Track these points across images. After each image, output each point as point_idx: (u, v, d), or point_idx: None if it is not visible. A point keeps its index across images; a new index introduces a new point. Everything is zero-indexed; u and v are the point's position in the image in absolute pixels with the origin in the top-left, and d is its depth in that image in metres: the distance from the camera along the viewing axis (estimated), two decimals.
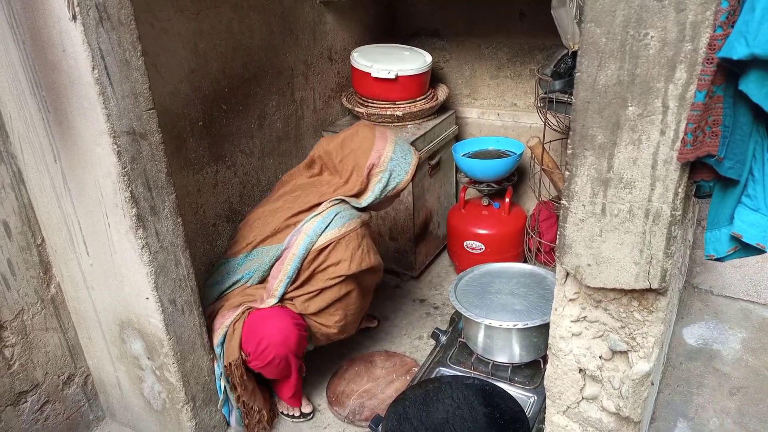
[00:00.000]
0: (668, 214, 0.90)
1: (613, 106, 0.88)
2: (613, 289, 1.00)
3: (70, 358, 1.90)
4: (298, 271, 1.87)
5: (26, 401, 1.79)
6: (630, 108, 0.87)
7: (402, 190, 2.04)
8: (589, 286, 1.02)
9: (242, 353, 1.83)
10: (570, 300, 1.08)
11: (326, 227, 1.87)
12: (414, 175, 2.05)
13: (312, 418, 2.05)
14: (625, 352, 1.07)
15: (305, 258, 1.86)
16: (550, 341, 1.13)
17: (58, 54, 1.39)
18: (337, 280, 1.87)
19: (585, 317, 1.08)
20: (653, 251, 0.93)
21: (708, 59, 0.80)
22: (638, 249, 0.94)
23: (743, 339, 2.30)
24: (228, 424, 1.99)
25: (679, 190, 0.88)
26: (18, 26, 1.41)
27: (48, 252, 1.78)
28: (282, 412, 2.06)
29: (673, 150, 0.86)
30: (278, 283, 1.87)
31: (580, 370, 1.11)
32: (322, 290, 1.88)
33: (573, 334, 1.09)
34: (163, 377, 1.78)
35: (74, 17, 1.31)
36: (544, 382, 1.18)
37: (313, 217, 1.89)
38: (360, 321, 2.08)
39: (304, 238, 1.86)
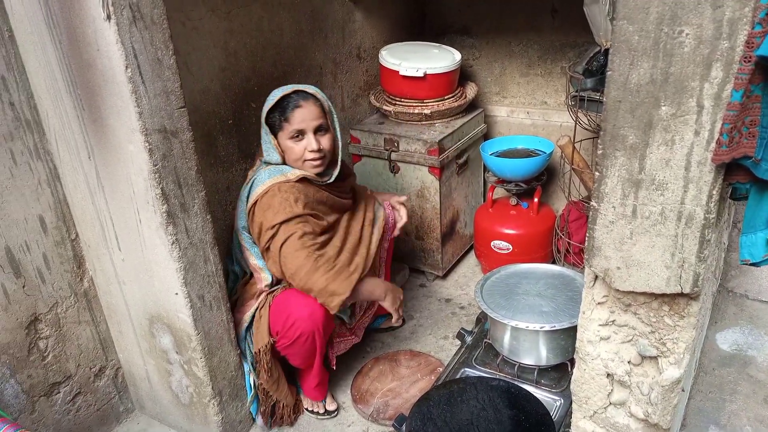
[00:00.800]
0: (701, 217, 0.87)
1: (645, 106, 0.86)
2: (643, 293, 0.98)
3: (102, 351, 1.95)
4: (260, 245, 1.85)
5: (59, 392, 1.84)
6: (663, 107, 0.84)
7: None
8: (618, 290, 0.99)
9: (271, 337, 1.87)
10: (598, 303, 1.06)
11: (250, 190, 1.86)
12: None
13: (336, 415, 2.06)
14: (655, 358, 1.05)
15: (250, 229, 1.88)
16: (577, 345, 1.11)
17: (92, 53, 1.42)
18: (270, 233, 1.77)
19: (614, 321, 1.06)
20: (685, 255, 0.91)
21: (746, 57, 0.77)
22: (670, 252, 0.92)
23: None
24: (254, 420, 2.01)
25: (714, 192, 0.86)
26: (55, 26, 1.45)
27: (81, 247, 1.82)
28: (307, 409, 2.07)
29: (708, 151, 0.84)
30: (251, 259, 1.93)
31: (608, 375, 1.09)
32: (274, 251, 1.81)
33: (601, 338, 1.07)
34: (191, 372, 1.81)
35: (108, 17, 1.34)
36: (571, 386, 1.16)
37: (242, 188, 1.93)
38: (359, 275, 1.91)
39: (238, 206, 1.91)
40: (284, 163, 1.90)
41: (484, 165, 2.87)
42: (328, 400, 2.09)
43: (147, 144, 1.48)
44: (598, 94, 2.12)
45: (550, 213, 2.67)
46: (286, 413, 2.00)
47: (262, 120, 1.86)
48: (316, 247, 1.79)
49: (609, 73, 0.87)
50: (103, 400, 1.99)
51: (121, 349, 1.98)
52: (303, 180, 1.87)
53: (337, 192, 2.00)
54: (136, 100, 1.43)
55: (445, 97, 2.62)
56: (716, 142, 0.82)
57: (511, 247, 2.58)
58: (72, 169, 1.68)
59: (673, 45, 0.80)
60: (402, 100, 2.63)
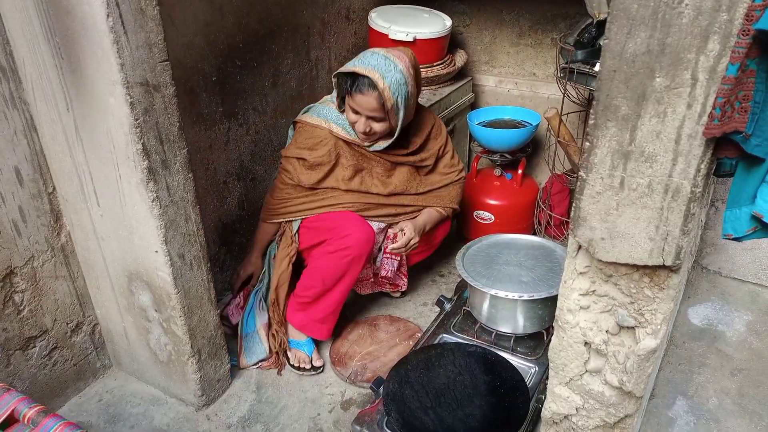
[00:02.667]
0: (688, 191, 0.88)
1: (639, 77, 0.85)
2: (626, 264, 0.99)
3: (79, 307, 1.93)
4: None
5: (35, 346, 1.82)
6: (657, 79, 0.84)
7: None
8: (601, 260, 1.01)
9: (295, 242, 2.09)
10: (580, 273, 1.07)
11: (308, 110, 2.14)
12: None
13: (322, 372, 2.09)
14: (632, 328, 1.07)
15: None
16: (557, 313, 1.13)
17: None
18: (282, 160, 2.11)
19: (594, 291, 1.07)
20: (670, 228, 0.92)
21: (744, 31, 0.77)
22: (654, 225, 0.93)
23: (749, 322, 2.29)
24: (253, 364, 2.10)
25: (702, 166, 0.86)
26: None
27: (59, 201, 1.78)
28: (292, 365, 2.09)
29: (699, 125, 0.84)
30: None
31: (586, 343, 1.11)
32: None
33: (581, 308, 1.09)
34: (170, 330, 1.80)
35: None
36: (548, 353, 1.18)
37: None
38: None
39: None
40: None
41: (470, 134, 2.85)
42: (315, 356, 2.11)
43: (128, 97, 1.44)
44: (588, 66, 2.11)
45: (533, 185, 2.69)
46: (278, 359, 2.10)
47: (334, 76, 1.96)
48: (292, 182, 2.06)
49: (605, 41, 0.86)
50: (80, 356, 1.98)
51: (99, 305, 1.96)
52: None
53: (380, 153, 2.07)
54: (117, 51, 1.38)
55: (434, 64, 2.59)
56: (708, 116, 0.82)
57: (493, 217, 2.59)
58: (49, 121, 1.63)
59: (671, 15, 0.80)
60: None
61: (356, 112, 1.93)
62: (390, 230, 2.15)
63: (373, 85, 1.85)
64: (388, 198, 2.11)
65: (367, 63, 1.87)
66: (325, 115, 2.04)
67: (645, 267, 0.99)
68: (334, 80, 1.97)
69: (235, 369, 2.07)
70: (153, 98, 1.50)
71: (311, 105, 2.13)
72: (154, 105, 1.51)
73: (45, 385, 1.88)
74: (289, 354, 2.11)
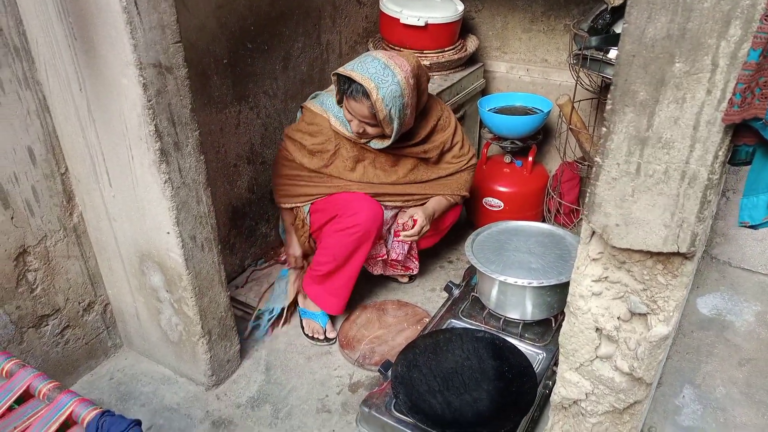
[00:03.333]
0: (705, 178, 0.88)
1: (659, 62, 0.84)
2: (639, 251, 0.99)
3: (91, 287, 1.95)
4: None
5: (48, 325, 1.84)
6: (677, 64, 0.83)
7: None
8: (615, 247, 1.00)
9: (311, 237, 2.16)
10: (593, 259, 1.07)
11: (315, 97, 2.15)
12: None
13: (334, 343, 2.14)
14: (644, 315, 1.07)
15: None
16: (569, 299, 1.13)
17: None
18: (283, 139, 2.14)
19: (606, 277, 1.07)
20: (685, 215, 0.91)
21: (767, 15, 0.76)
22: (670, 212, 0.92)
23: (758, 312, 2.29)
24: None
25: (720, 153, 0.86)
26: None
27: (71, 181, 1.79)
28: (306, 335, 2.16)
29: (718, 111, 0.83)
30: None
31: (597, 329, 1.11)
32: None
33: (593, 294, 1.09)
34: (181, 310, 1.82)
35: None
36: (559, 339, 1.18)
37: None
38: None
39: None
40: None
41: (480, 121, 2.84)
42: (328, 327, 2.16)
43: (141, 78, 1.44)
44: (602, 53, 2.09)
45: (543, 172, 2.67)
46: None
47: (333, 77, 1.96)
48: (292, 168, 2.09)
49: (625, 26, 0.85)
50: (92, 335, 2.00)
51: (111, 285, 1.98)
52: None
53: (385, 149, 2.06)
54: (130, 32, 1.38)
55: (446, 49, 2.57)
56: (728, 102, 0.81)
57: (502, 204, 2.59)
58: (62, 101, 1.63)
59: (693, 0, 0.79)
60: (401, 49, 2.57)
61: (351, 114, 1.94)
62: (399, 220, 2.15)
63: (366, 94, 1.83)
64: (393, 186, 2.11)
65: (365, 70, 1.84)
66: (327, 106, 2.04)
67: (659, 254, 0.99)
68: (333, 78, 1.94)
69: (245, 350, 2.09)
70: (166, 80, 1.50)
71: (319, 92, 2.13)
72: (166, 86, 1.51)
73: (57, 362, 1.90)
74: (303, 324, 2.17)
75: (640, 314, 1.07)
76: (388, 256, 2.23)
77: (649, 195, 0.93)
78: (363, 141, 2.02)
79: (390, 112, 1.86)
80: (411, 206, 2.16)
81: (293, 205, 2.14)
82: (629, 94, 0.88)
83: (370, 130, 1.95)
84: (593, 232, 1.05)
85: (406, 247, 2.24)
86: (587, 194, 1.00)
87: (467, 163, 2.21)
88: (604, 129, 0.93)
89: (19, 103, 1.61)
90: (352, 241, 1.99)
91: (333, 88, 2.07)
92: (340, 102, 1.99)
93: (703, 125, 0.85)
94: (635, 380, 1.11)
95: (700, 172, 0.88)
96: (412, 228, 2.09)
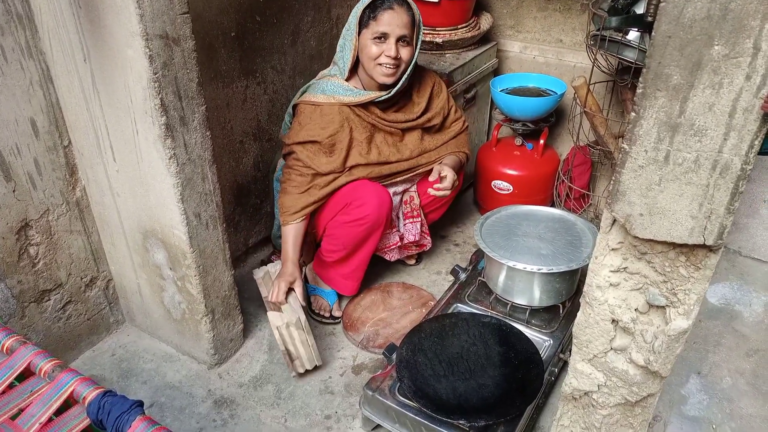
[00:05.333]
0: (738, 168, 0.84)
1: (696, 44, 0.80)
2: (662, 242, 0.96)
3: (93, 262, 1.92)
4: None
5: (49, 299, 1.82)
6: (716, 47, 0.79)
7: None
8: (637, 237, 0.97)
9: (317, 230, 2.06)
10: (612, 249, 1.04)
11: (306, 89, 2.03)
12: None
13: (339, 322, 2.12)
14: (663, 307, 1.04)
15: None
16: (585, 289, 1.10)
17: None
18: (288, 149, 1.99)
19: (626, 268, 1.04)
20: (714, 206, 0.88)
21: None
22: (698, 202, 0.88)
23: (767, 303, 2.26)
24: None
25: (756, 142, 0.82)
26: None
27: (74, 154, 1.75)
28: (313, 311, 2.15)
29: (757, 98, 0.79)
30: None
31: (613, 321, 1.08)
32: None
33: (611, 285, 1.05)
34: (184, 288, 1.80)
35: None
36: (573, 329, 1.15)
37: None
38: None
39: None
40: (353, 68, 1.95)
41: (491, 102, 2.78)
42: (335, 306, 2.15)
43: (147, 50, 1.39)
44: (621, 34, 2.03)
45: (554, 156, 2.63)
46: None
47: (352, 13, 1.88)
48: (308, 177, 1.95)
49: (662, 5, 0.80)
50: (94, 311, 1.98)
51: (113, 261, 1.95)
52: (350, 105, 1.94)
53: (390, 119, 2.01)
54: (137, 1, 1.33)
55: (459, 27, 2.51)
56: None
57: (511, 188, 2.55)
58: (66, 72, 1.58)
59: None
60: None
61: (384, 36, 1.84)
62: (430, 178, 2.11)
63: (401, 1, 1.84)
64: (407, 162, 2.08)
65: None
66: (331, 91, 1.94)
67: (682, 246, 0.95)
68: (353, 18, 1.87)
69: (248, 329, 2.07)
70: (172, 52, 1.45)
71: (308, 84, 2.01)
72: (173, 59, 1.46)
73: (59, 338, 1.88)
74: (311, 300, 2.16)
75: (658, 307, 1.04)
76: (402, 240, 2.20)
77: (677, 184, 0.89)
78: (392, 80, 1.90)
79: (420, 18, 1.91)
80: (421, 178, 2.17)
81: (307, 212, 1.96)
82: (662, 77, 0.84)
83: (404, 52, 1.88)
84: (614, 221, 1.01)
85: (418, 225, 2.21)
86: (611, 182, 0.96)
87: (463, 124, 2.23)
88: (633, 114, 0.89)
89: (21, 72, 1.56)
90: (361, 232, 1.97)
91: (325, 72, 2.02)
92: (364, 25, 1.86)
93: (739, 112, 0.81)
94: (650, 373, 1.08)
95: (734, 162, 0.84)
96: (443, 183, 2.05)
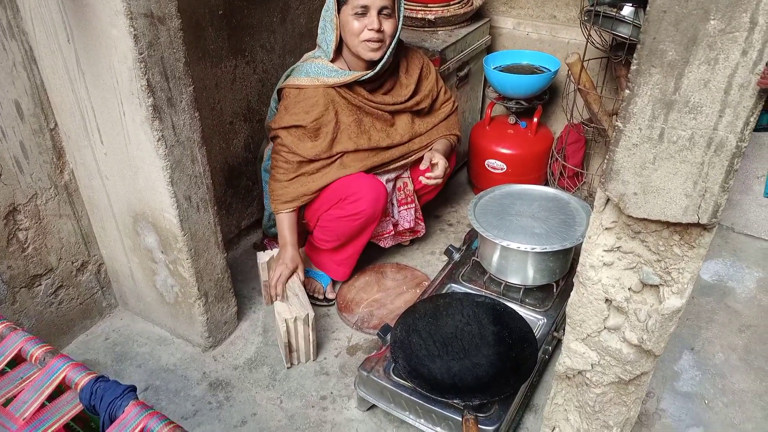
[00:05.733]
0: (733, 145, 0.82)
1: (692, 18, 0.78)
2: (657, 221, 0.95)
3: (84, 246, 1.90)
4: None
5: (40, 284, 1.80)
6: (712, 22, 0.77)
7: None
8: (630, 216, 0.96)
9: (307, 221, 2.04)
10: (606, 229, 1.03)
11: (290, 73, 1.98)
12: None
13: (333, 304, 2.12)
14: (656, 286, 1.03)
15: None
16: (579, 269, 1.09)
17: None
18: (274, 132, 1.95)
19: (619, 247, 1.03)
20: (709, 184, 0.87)
21: None
22: (692, 180, 0.87)
23: (759, 278, 2.27)
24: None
25: (751, 119, 0.80)
26: None
27: (61, 137, 1.72)
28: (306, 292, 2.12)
29: (754, 74, 0.77)
30: None
31: (607, 300, 1.08)
32: None
33: (604, 264, 1.05)
34: (177, 272, 1.78)
35: None
36: (566, 309, 1.15)
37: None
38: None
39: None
40: (337, 49, 1.90)
41: (484, 80, 2.75)
42: (329, 288, 2.14)
43: (132, 29, 1.36)
44: (615, 10, 2.00)
45: (548, 134, 2.61)
46: None
47: None
48: (296, 162, 1.92)
49: None
50: (86, 295, 1.97)
51: (104, 245, 1.93)
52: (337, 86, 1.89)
53: (378, 101, 1.96)
54: None
55: (451, 3, 2.47)
56: (766, 64, 0.75)
57: (505, 167, 2.53)
58: (50, 52, 1.55)
59: None
60: (405, 2, 2.46)
61: (364, 9, 1.79)
62: (421, 166, 2.07)
63: None
64: (399, 148, 2.04)
65: None
66: (314, 73, 1.89)
67: (676, 224, 0.94)
68: (325, 6, 1.84)
69: (243, 311, 2.07)
70: (158, 31, 1.42)
71: (292, 67, 1.96)
72: (159, 38, 1.43)
73: (51, 323, 1.87)
74: (304, 282, 2.12)
75: (651, 285, 1.04)
76: (396, 227, 2.19)
77: (672, 162, 0.88)
78: (379, 55, 1.85)
79: None
80: (412, 164, 2.13)
81: (299, 204, 1.95)
82: (657, 53, 0.82)
83: (386, 25, 1.82)
84: (607, 200, 1.00)
85: (412, 211, 2.19)
86: (605, 161, 0.95)
87: (453, 106, 2.19)
88: (627, 91, 0.87)
89: (4, 53, 1.52)
90: (356, 226, 1.95)
91: (309, 55, 1.98)
92: (343, 2, 1.82)
93: (735, 89, 0.79)
94: (644, 352, 1.08)
95: (729, 139, 0.82)
96: (434, 171, 2.03)
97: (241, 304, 2.05)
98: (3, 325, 1.24)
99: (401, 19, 1.87)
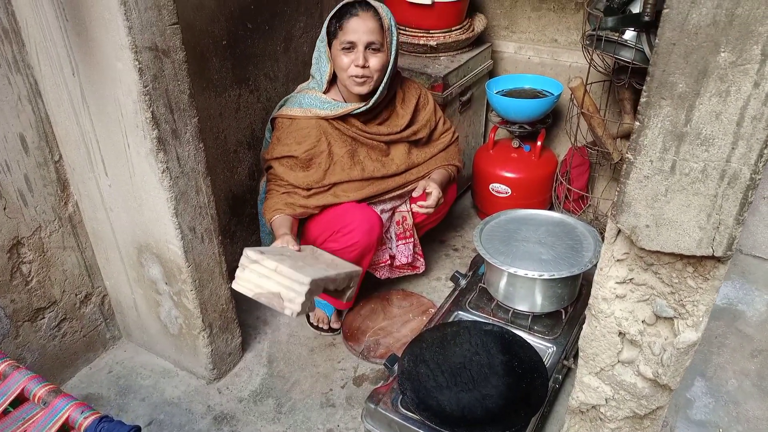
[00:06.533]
0: (747, 177, 0.81)
1: (702, 51, 0.77)
2: (670, 254, 0.93)
3: (88, 278, 1.89)
4: None
5: (44, 317, 1.79)
6: (722, 54, 0.76)
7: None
8: (643, 249, 0.94)
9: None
10: (617, 260, 1.01)
11: (284, 103, 1.99)
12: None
13: (339, 333, 2.10)
14: (671, 319, 1.01)
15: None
16: (591, 301, 1.07)
17: None
18: (267, 164, 1.96)
19: (632, 279, 1.01)
20: (723, 216, 0.85)
21: None
22: (706, 213, 0.86)
23: None
24: None
25: (765, 151, 0.79)
26: None
27: (66, 170, 1.72)
28: (311, 324, 2.12)
29: (766, 106, 0.76)
30: None
31: (620, 333, 1.06)
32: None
33: (617, 296, 1.03)
34: (181, 303, 1.76)
35: None
36: (579, 343, 1.13)
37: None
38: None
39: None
40: (332, 79, 1.91)
41: (487, 104, 2.76)
42: (333, 318, 2.12)
43: (137, 62, 1.36)
44: (617, 34, 2.01)
45: (552, 157, 2.60)
46: None
47: (324, 25, 1.84)
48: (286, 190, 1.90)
49: (666, 11, 0.77)
50: (90, 327, 1.95)
51: (108, 276, 1.92)
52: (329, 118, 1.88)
53: (372, 131, 1.95)
54: (125, 13, 1.30)
55: (453, 29, 2.48)
56: None
57: (510, 190, 2.52)
58: (54, 85, 1.55)
59: None
60: (406, 29, 2.48)
61: (351, 45, 1.78)
62: (414, 194, 2.03)
63: (366, 5, 1.79)
64: (394, 179, 2.02)
65: None
66: (307, 104, 1.90)
67: (690, 256, 0.93)
68: (323, 30, 1.85)
69: (247, 341, 2.04)
70: (162, 64, 1.42)
71: (286, 97, 1.97)
72: (163, 71, 1.43)
73: (54, 356, 1.85)
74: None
75: (665, 318, 1.02)
76: (393, 260, 2.15)
77: (684, 195, 0.87)
78: (366, 90, 1.84)
79: (391, 22, 1.83)
80: (409, 196, 2.10)
81: (291, 212, 1.87)
82: (667, 85, 0.81)
83: (373, 61, 1.80)
84: (618, 232, 0.99)
85: (411, 246, 2.16)
86: (616, 192, 0.94)
87: (453, 136, 2.17)
88: (637, 123, 0.86)
89: (9, 87, 1.53)
90: (352, 257, 1.89)
91: (303, 86, 1.98)
92: (333, 35, 1.82)
93: (747, 121, 0.78)
94: (659, 386, 1.06)
95: (742, 172, 0.81)
96: (427, 200, 1.99)
97: (245, 335, 2.03)
98: (6, 363, 1.22)
99: (394, 52, 1.86)
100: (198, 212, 1.65)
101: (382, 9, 1.82)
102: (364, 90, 1.85)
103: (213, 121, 2.04)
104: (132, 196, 1.63)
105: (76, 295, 1.86)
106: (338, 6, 1.81)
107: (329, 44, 1.84)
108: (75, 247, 1.82)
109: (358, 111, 1.89)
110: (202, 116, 1.82)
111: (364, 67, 1.80)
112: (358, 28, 1.77)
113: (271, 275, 1.42)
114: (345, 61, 1.81)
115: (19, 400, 1.19)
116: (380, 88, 1.87)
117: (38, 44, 1.50)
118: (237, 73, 2.08)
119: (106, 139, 1.56)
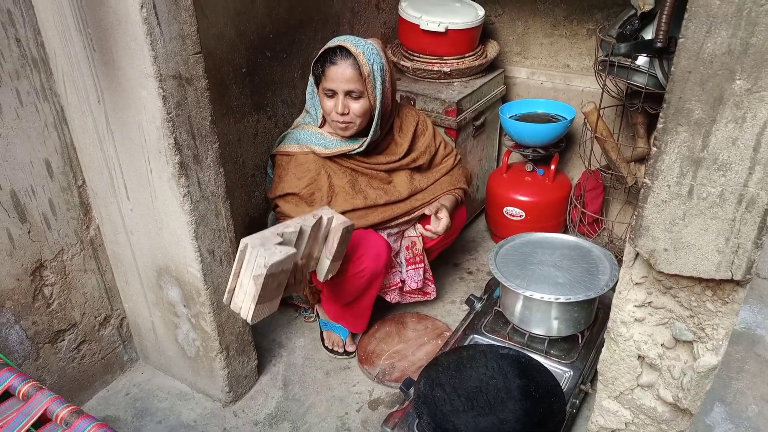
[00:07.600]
0: (765, 202, 0.82)
1: (717, 79, 0.79)
2: (689, 277, 0.94)
3: (107, 300, 1.91)
4: None
5: (64, 340, 1.81)
6: (738, 81, 0.78)
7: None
8: (662, 272, 0.95)
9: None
10: (636, 284, 1.02)
11: (282, 140, 2.02)
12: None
13: (354, 357, 2.10)
14: (690, 342, 1.01)
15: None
16: (609, 325, 1.07)
17: None
18: (274, 203, 2.00)
19: (650, 303, 1.02)
20: (741, 240, 0.86)
21: None
22: (724, 237, 0.87)
23: None
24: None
25: None
26: None
27: (88, 194, 1.76)
28: (326, 347, 2.12)
29: None
30: None
31: (639, 357, 1.06)
32: None
33: (635, 320, 1.03)
34: (199, 326, 1.78)
35: None
36: (598, 366, 1.13)
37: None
38: None
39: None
40: (324, 116, 1.92)
41: (500, 128, 2.79)
42: (348, 341, 2.12)
43: (161, 90, 1.41)
44: (630, 60, 2.03)
45: (566, 181, 2.61)
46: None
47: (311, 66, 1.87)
48: None
49: (681, 40, 0.79)
50: (108, 349, 1.97)
51: (127, 299, 1.94)
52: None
53: (371, 162, 1.96)
54: (150, 43, 1.35)
55: (466, 55, 2.52)
56: None
57: (524, 214, 2.53)
58: (80, 113, 1.60)
59: (758, 12, 0.73)
60: (421, 56, 2.52)
61: (331, 95, 1.82)
62: (426, 211, 2.06)
63: (346, 53, 1.78)
64: (398, 206, 2.02)
65: (337, 39, 1.82)
66: (304, 140, 1.92)
67: (709, 280, 0.93)
68: (311, 77, 1.88)
69: (263, 364, 2.05)
70: (186, 91, 1.47)
71: (284, 134, 2.00)
72: (186, 98, 1.47)
73: (73, 378, 1.87)
74: (324, 335, 2.13)
75: (685, 342, 1.02)
76: (403, 284, 2.14)
77: (702, 219, 0.87)
78: (349, 134, 1.87)
79: (373, 68, 1.79)
80: (416, 221, 2.11)
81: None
82: (683, 112, 0.83)
83: (354, 106, 1.82)
84: (637, 255, 1.00)
85: (421, 271, 2.15)
86: (634, 216, 0.95)
87: (455, 160, 2.17)
88: (654, 149, 0.88)
89: (36, 115, 1.58)
90: (361, 283, 1.91)
91: (299, 121, 2.00)
92: (318, 79, 1.85)
93: (764, 146, 0.79)
94: (679, 410, 1.05)
95: (760, 196, 0.82)
96: (437, 227, 2.01)
97: (261, 357, 2.03)
98: (29, 384, 1.24)
99: (380, 96, 1.84)
100: (217, 235, 1.68)
101: (364, 56, 1.78)
102: (347, 134, 1.88)
103: (232, 147, 2.08)
104: (153, 220, 1.66)
105: (96, 317, 1.89)
106: (321, 51, 1.83)
107: (317, 86, 1.88)
108: (95, 270, 1.84)
109: (354, 153, 1.92)
110: (222, 141, 1.85)
111: (344, 114, 1.83)
112: (336, 77, 1.79)
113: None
114: (328, 105, 1.84)
115: (42, 421, 1.20)
116: (371, 131, 1.88)
117: (65, 73, 1.55)
118: (255, 99, 2.13)
119: (129, 164, 1.60)
